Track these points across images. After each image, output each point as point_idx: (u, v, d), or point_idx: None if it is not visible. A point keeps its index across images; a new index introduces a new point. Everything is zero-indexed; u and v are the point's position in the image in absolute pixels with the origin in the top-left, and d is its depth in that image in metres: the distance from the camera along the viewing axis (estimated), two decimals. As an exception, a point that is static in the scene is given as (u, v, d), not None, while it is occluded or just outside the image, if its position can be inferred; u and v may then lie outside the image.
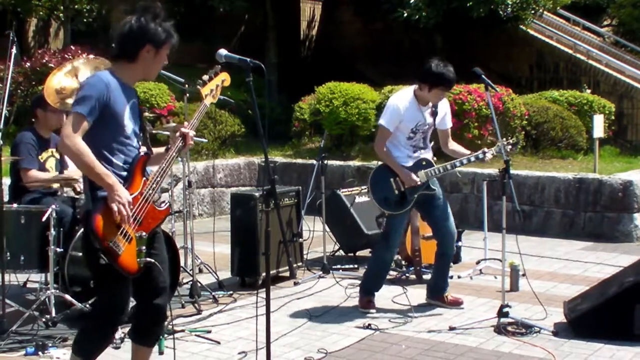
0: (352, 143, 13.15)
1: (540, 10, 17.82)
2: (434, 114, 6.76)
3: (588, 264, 8.68)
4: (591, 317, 6.07)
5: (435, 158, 6.91)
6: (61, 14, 15.77)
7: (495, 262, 8.23)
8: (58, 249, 6.27)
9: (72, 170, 6.75)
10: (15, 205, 6.55)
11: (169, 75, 7.24)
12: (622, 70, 16.99)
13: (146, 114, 7.72)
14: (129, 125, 4.37)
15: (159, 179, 4.42)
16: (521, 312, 6.67)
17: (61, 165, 6.95)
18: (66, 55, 12.73)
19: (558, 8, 19.34)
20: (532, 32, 18.22)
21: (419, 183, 6.66)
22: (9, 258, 6.31)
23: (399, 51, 18.63)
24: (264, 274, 7.39)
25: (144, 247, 4.31)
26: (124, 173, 4.34)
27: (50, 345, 5.73)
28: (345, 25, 20.48)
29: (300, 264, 8.28)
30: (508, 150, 6.68)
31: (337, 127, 12.90)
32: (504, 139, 6.66)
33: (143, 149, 4.51)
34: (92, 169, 4.17)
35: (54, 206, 6.27)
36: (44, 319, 6.16)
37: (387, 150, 6.70)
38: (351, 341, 6.06)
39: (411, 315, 6.65)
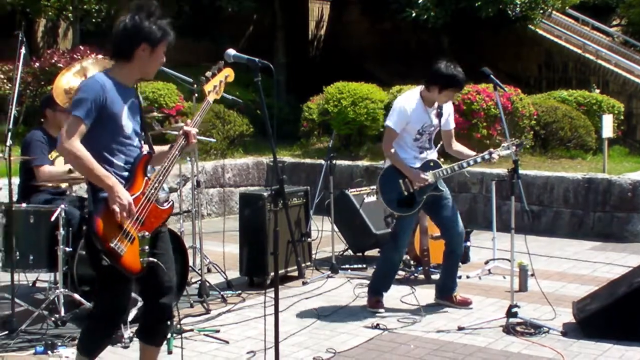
0: (361, 143, 13.15)
1: (549, 10, 17.79)
2: (439, 115, 6.78)
3: (597, 264, 8.65)
4: (600, 318, 6.05)
5: (442, 159, 6.92)
6: (70, 14, 15.80)
7: (504, 262, 8.21)
8: (67, 249, 6.28)
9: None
10: (24, 205, 6.56)
11: (177, 75, 7.25)
12: (631, 70, 16.94)
13: (155, 113, 7.76)
14: (128, 125, 4.36)
15: (161, 178, 4.41)
16: (530, 312, 6.66)
17: (71, 165, 6.96)
18: (75, 56, 12.77)
19: (567, 8, 19.32)
20: (540, 31, 18.19)
21: (428, 182, 6.65)
22: (18, 257, 6.33)
23: (407, 51, 18.62)
24: (272, 274, 7.38)
25: (146, 247, 4.30)
26: (126, 173, 4.34)
27: (59, 344, 5.75)
28: (353, 25, 20.48)
29: (308, 263, 8.27)
30: (513, 149, 6.70)
31: (346, 127, 12.90)
32: (510, 140, 6.65)
33: (145, 148, 4.51)
34: (91, 171, 4.18)
35: (63, 206, 6.28)
36: (53, 318, 6.17)
37: (395, 151, 6.70)
38: (360, 341, 6.06)
39: (420, 315, 6.64)
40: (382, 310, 6.80)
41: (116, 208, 4.13)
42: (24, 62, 6.69)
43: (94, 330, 4.52)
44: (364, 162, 12.25)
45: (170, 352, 5.73)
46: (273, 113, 13.99)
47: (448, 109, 6.91)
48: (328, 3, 22.18)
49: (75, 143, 4.14)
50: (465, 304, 6.94)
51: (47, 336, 5.91)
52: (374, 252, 8.98)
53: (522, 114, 12.60)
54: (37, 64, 13.22)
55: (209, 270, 7.96)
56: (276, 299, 4.43)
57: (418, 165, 6.71)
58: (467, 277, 7.96)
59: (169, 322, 4.65)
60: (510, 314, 6.27)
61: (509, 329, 6.18)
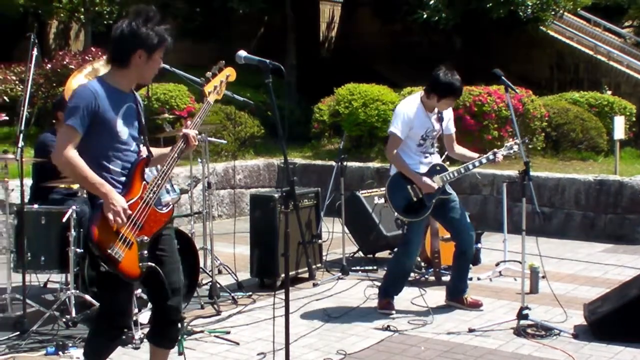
0: (372, 144, 13.13)
1: (561, 12, 17.76)
2: (440, 119, 6.80)
3: (608, 266, 8.62)
4: (612, 320, 6.02)
5: (448, 162, 6.92)
6: (82, 16, 15.88)
7: (514, 264, 8.19)
8: (78, 250, 6.30)
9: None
10: (36, 206, 6.59)
11: (188, 76, 7.25)
12: (643, 71, 16.91)
13: (166, 115, 7.79)
14: (124, 130, 4.33)
15: (159, 182, 4.39)
16: (541, 314, 6.64)
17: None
18: (86, 57, 12.82)
19: (578, 9, 19.29)
20: (552, 33, 18.16)
21: (436, 188, 6.66)
22: (29, 258, 6.36)
23: (418, 52, 18.60)
24: (283, 275, 7.40)
25: (145, 252, 4.27)
26: (123, 178, 4.32)
27: (70, 345, 5.75)
28: (364, 26, 20.49)
29: (319, 265, 8.27)
30: (516, 149, 6.75)
31: (357, 129, 12.90)
32: (511, 139, 6.66)
33: (144, 152, 4.48)
34: (85, 178, 4.18)
35: (74, 207, 6.30)
36: (64, 319, 6.19)
37: (401, 158, 6.70)
38: (370, 343, 6.06)
39: (430, 317, 6.63)
40: (392, 312, 6.79)
41: (110, 215, 4.12)
42: (36, 64, 6.71)
43: (97, 332, 4.54)
44: (375, 164, 12.23)
45: (181, 354, 5.71)
46: (284, 114, 14.05)
47: (448, 113, 6.94)
48: (339, 4, 22.20)
49: (69, 152, 4.13)
50: (476, 306, 6.92)
51: (58, 337, 5.93)
52: (384, 254, 8.98)
53: (533, 116, 12.58)
54: (49, 65, 13.28)
55: (219, 272, 7.96)
56: (287, 300, 4.43)
57: (424, 170, 6.72)
58: (478, 279, 7.95)
59: (178, 325, 4.66)
60: (521, 316, 6.25)
61: (519, 331, 6.16)
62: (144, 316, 5.93)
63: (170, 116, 8.86)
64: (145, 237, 4.28)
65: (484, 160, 6.81)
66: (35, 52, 6.59)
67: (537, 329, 6.20)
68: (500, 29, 16.89)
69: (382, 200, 8.85)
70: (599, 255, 9.26)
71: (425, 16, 16.22)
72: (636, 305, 5.93)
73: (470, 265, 7.28)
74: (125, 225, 4.17)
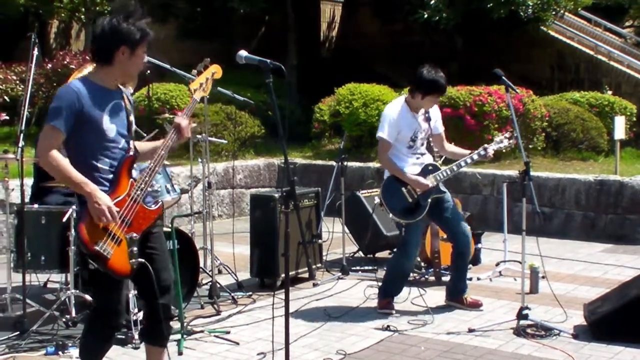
0: (372, 144, 13.09)
1: (561, 12, 17.76)
2: (428, 119, 6.80)
3: (609, 266, 8.62)
4: (612, 320, 6.03)
5: (440, 161, 6.94)
6: (82, 16, 15.89)
7: (515, 264, 8.19)
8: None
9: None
10: (36, 205, 6.59)
11: (188, 75, 7.26)
12: (644, 71, 16.91)
13: (166, 115, 7.79)
14: (111, 128, 4.32)
15: (147, 179, 4.39)
16: (541, 314, 6.64)
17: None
18: (87, 57, 12.77)
19: (579, 9, 19.27)
20: (552, 33, 18.16)
21: (430, 186, 6.66)
22: (29, 258, 6.37)
23: (419, 52, 18.54)
24: (283, 275, 7.41)
25: (135, 249, 4.27)
26: (111, 176, 4.32)
27: (70, 345, 5.75)
28: (365, 26, 20.48)
29: (319, 265, 8.28)
30: (506, 143, 6.80)
31: (357, 129, 12.90)
32: (501, 133, 6.67)
33: (132, 148, 4.48)
34: (69, 178, 4.18)
35: (74, 207, 6.29)
36: (64, 319, 6.20)
37: (392, 161, 6.71)
38: (370, 342, 6.06)
39: (430, 317, 6.63)
40: (392, 312, 6.79)
41: (94, 214, 4.12)
42: (37, 64, 6.71)
43: (89, 333, 4.55)
44: (375, 164, 12.22)
45: (180, 353, 5.74)
46: (284, 114, 14.06)
47: (436, 113, 6.95)
48: (340, 4, 22.19)
49: (52, 152, 4.14)
50: (475, 306, 6.93)
51: (58, 337, 5.93)
52: (384, 254, 8.98)
53: (533, 116, 12.58)
54: (50, 65, 13.29)
55: (219, 272, 7.96)
56: (287, 300, 4.43)
57: (417, 171, 6.72)
58: (478, 279, 7.95)
59: (170, 322, 4.66)
60: (521, 316, 6.26)
61: (519, 331, 6.16)
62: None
63: (171, 116, 8.84)
64: (135, 234, 4.28)
65: (475, 157, 6.81)
66: (36, 52, 6.59)
67: (537, 329, 6.20)
68: (501, 29, 16.88)
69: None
70: (598, 255, 9.26)
71: (426, 16, 16.21)
72: (636, 305, 5.94)
73: (470, 265, 7.28)
74: (112, 223, 4.18)
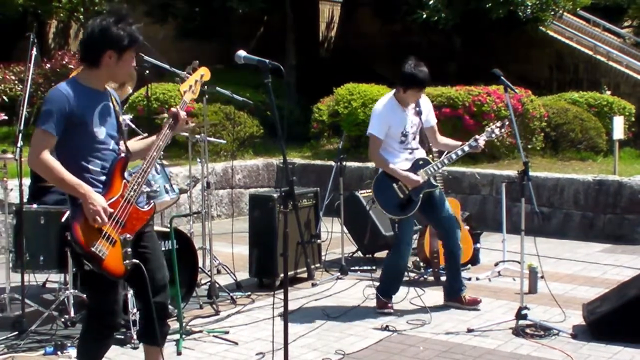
0: (371, 144, 13.11)
1: (560, 12, 17.76)
2: (419, 113, 6.80)
3: (607, 266, 8.62)
4: (610, 320, 6.03)
5: (431, 156, 6.96)
6: (81, 16, 15.88)
7: (513, 264, 8.19)
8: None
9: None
10: (34, 205, 6.59)
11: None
12: (642, 71, 16.91)
13: (165, 115, 7.77)
14: (101, 130, 4.32)
15: (139, 180, 4.39)
16: (540, 314, 6.64)
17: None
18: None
19: (578, 9, 19.28)
20: (551, 33, 18.16)
21: (421, 181, 6.67)
22: (28, 258, 6.36)
23: (417, 52, 18.46)
24: (282, 275, 7.39)
25: (129, 250, 4.28)
26: (103, 177, 4.32)
27: (68, 345, 5.75)
28: (363, 26, 20.47)
29: (318, 265, 8.27)
30: (498, 133, 6.83)
31: (356, 129, 12.89)
32: (492, 123, 6.70)
33: (124, 149, 4.48)
34: (62, 180, 4.18)
35: (73, 207, 6.29)
36: (62, 319, 6.20)
37: (383, 157, 6.71)
38: (369, 342, 6.06)
39: (429, 316, 6.63)
40: (391, 312, 6.79)
41: (89, 216, 4.13)
42: (35, 64, 6.71)
43: (86, 333, 4.55)
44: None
45: (179, 353, 5.74)
46: (283, 114, 14.04)
47: (427, 106, 6.94)
48: (338, 4, 22.19)
49: (44, 155, 4.15)
50: (474, 303, 6.92)
51: (57, 337, 5.93)
52: (383, 254, 8.97)
53: (532, 116, 12.58)
54: (48, 65, 13.29)
55: (218, 272, 7.97)
56: (285, 300, 4.43)
57: (409, 166, 6.73)
58: (477, 279, 7.95)
59: (167, 321, 4.66)
60: (519, 316, 6.26)
61: (518, 331, 6.16)
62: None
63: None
64: (128, 235, 4.29)
65: (466, 148, 6.81)
66: (34, 52, 6.59)
67: (535, 329, 6.21)
68: (500, 29, 16.88)
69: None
70: (597, 255, 9.26)
71: (424, 16, 16.21)
72: (635, 305, 5.94)
73: (469, 265, 7.27)
74: (107, 224, 4.18)
